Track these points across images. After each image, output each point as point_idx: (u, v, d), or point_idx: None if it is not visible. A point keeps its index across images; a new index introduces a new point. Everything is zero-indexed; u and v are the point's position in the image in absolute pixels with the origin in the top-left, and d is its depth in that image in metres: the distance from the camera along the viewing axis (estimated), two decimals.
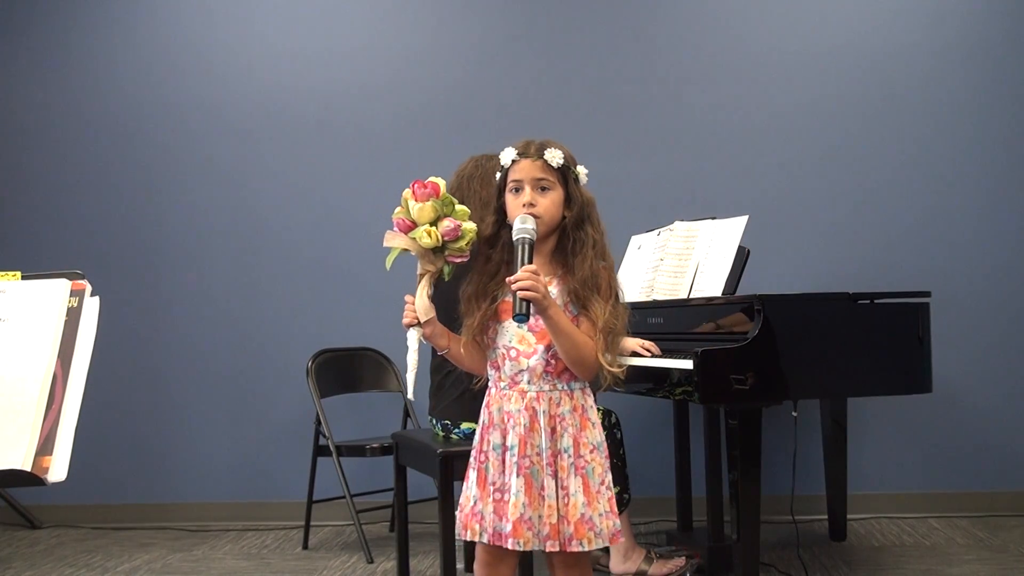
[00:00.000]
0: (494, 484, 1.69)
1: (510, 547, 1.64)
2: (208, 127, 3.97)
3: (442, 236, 1.69)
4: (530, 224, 1.68)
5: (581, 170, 1.78)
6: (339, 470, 3.33)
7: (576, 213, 1.74)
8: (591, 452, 1.69)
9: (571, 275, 1.71)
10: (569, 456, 1.67)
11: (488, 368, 1.78)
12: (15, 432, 1.10)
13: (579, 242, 1.72)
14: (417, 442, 2.61)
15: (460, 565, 2.83)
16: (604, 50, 3.83)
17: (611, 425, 2.77)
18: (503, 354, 1.73)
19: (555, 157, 1.73)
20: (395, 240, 1.71)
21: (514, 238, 1.68)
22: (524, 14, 3.89)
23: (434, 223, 1.69)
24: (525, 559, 2.35)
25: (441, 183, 1.70)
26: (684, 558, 2.82)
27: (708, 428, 3.06)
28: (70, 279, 1.25)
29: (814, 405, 3.40)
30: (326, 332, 3.76)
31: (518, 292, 1.58)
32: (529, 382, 1.70)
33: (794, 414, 2.87)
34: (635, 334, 2.48)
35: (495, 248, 1.77)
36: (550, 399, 1.69)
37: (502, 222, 1.78)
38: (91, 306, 1.23)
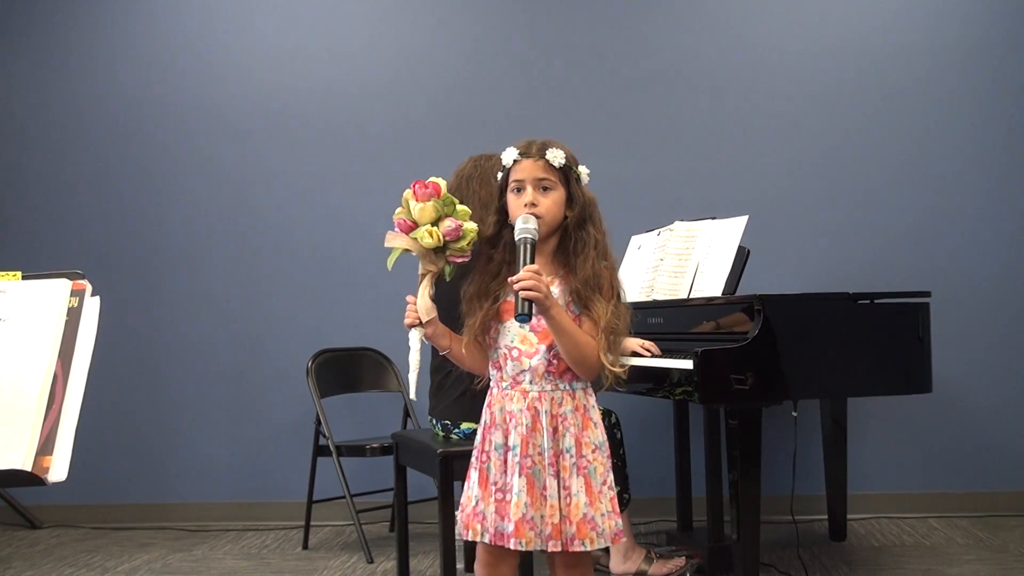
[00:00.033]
0: (496, 484, 1.69)
1: (512, 547, 1.64)
2: (208, 127, 3.97)
3: (443, 236, 1.69)
4: (532, 224, 1.68)
5: (583, 170, 1.78)
6: (339, 470, 3.33)
7: (578, 213, 1.74)
8: (593, 452, 1.69)
9: (573, 275, 1.71)
10: (571, 456, 1.67)
11: (490, 368, 1.78)
12: (15, 432, 1.10)
13: (581, 242, 1.72)
14: (417, 442, 2.61)
15: (460, 565, 2.83)
16: (604, 50, 3.83)
17: (611, 425, 2.77)
18: (505, 354, 1.73)
19: (557, 157, 1.73)
20: (396, 240, 1.71)
21: (516, 238, 1.68)
22: (524, 14, 3.89)
23: (435, 223, 1.69)
24: (525, 559, 2.35)
25: (442, 183, 1.70)
26: (684, 558, 2.82)
27: (708, 428, 3.06)
28: (71, 279, 1.25)
29: (814, 405, 3.40)
30: (326, 332, 3.76)
31: (520, 292, 1.58)
32: (531, 382, 1.70)
33: (794, 414, 2.87)
34: (635, 334, 2.48)
35: (497, 248, 1.77)
36: (552, 399, 1.69)
37: (504, 222, 1.78)
38: (92, 306, 1.23)
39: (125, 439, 3.91)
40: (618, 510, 1.71)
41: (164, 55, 4.00)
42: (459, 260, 1.74)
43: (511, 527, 1.64)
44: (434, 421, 2.62)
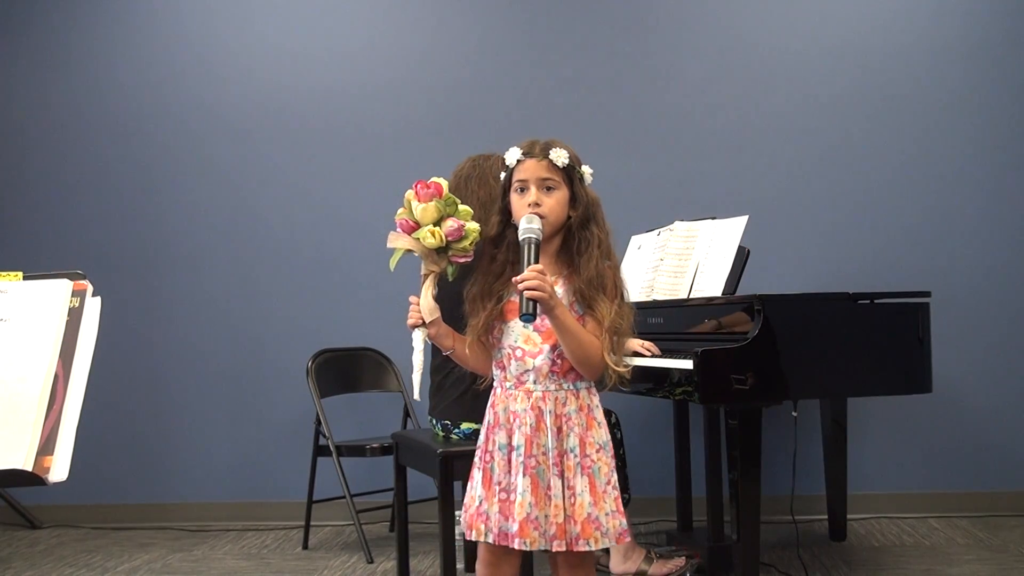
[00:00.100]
0: (500, 484, 1.69)
1: (516, 547, 1.64)
2: (208, 127, 3.97)
3: (445, 236, 1.69)
4: (536, 224, 1.68)
5: (586, 170, 1.78)
6: (339, 470, 3.33)
7: (581, 213, 1.74)
8: (597, 452, 1.69)
9: (577, 275, 1.71)
10: (575, 456, 1.67)
11: (493, 368, 1.78)
12: (16, 432, 1.10)
13: (584, 242, 1.72)
14: (417, 442, 2.61)
15: (460, 565, 2.83)
16: (604, 50, 3.83)
17: (611, 425, 2.77)
18: (509, 354, 1.73)
19: (560, 157, 1.73)
20: (399, 241, 1.72)
21: (520, 238, 1.68)
22: (524, 14, 3.89)
23: (437, 223, 1.69)
24: (525, 559, 2.35)
25: (444, 183, 1.70)
26: (684, 558, 2.82)
27: (708, 428, 3.06)
28: (72, 279, 1.25)
29: (814, 405, 3.40)
30: (326, 332, 3.76)
31: (525, 292, 1.58)
32: (535, 382, 1.70)
33: (794, 414, 2.87)
34: (636, 334, 2.48)
35: (500, 248, 1.77)
36: (556, 399, 1.70)
37: (507, 222, 1.78)
38: (92, 306, 1.23)
39: (125, 439, 3.91)
40: (622, 509, 1.71)
41: (164, 55, 4.00)
42: (461, 260, 1.74)
43: (515, 527, 1.64)
44: (434, 421, 2.63)
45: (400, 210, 1.72)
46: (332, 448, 3.33)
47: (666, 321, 2.80)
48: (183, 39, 4.00)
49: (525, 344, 1.71)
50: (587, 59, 3.84)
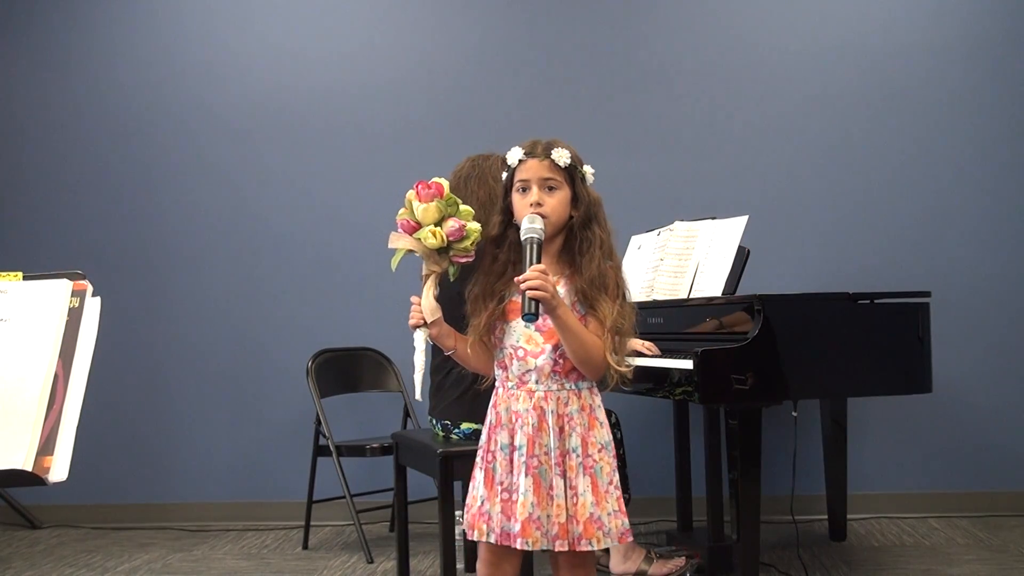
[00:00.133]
0: (502, 484, 1.69)
1: (519, 547, 1.64)
2: (208, 127, 3.97)
3: (447, 236, 1.69)
4: (538, 224, 1.68)
5: (588, 169, 1.78)
6: (339, 470, 3.33)
7: (583, 213, 1.74)
8: (599, 452, 1.69)
9: (578, 275, 1.71)
10: (577, 456, 1.67)
11: (495, 368, 1.78)
12: (16, 432, 1.10)
13: (586, 242, 1.73)
14: (417, 442, 2.61)
15: (460, 565, 2.83)
16: (604, 50, 3.83)
17: (611, 425, 2.75)
18: (510, 354, 1.73)
19: (562, 156, 1.73)
20: (400, 241, 1.72)
21: (522, 238, 1.68)
22: (524, 14, 3.89)
23: (438, 223, 1.69)
24: (526, 559, 2.34)
25: (445, 183, 1.70)
26: (684, 558, 2.82)
27: (708, 428, 3.06)
28: (71, 279, 1.25)
29: (814, 405, 3.40)
30: (326, 332, 3.76)
31: (527, 292, 1.58)
32: (537, 382, 1.70)
33: (794, 414, 2.87)
34: (637, 334, 2.48)
35: (502, 248, 1.77)
36: (558, 399, 1.70)
37: (509, 222, 1.78)
38: (92, 306, 1.23)
39: (125, 439, 3.91)
40: (624, 509, 1.71)
41: (164, 55, 4.00)
42: (463, 260, 1.74)
43: (517, 527, 1.64)
44: (434, 421, 2.63)
45: (401, 210, 1.72)
46: (332, 448, 3.33)
47: (666, 321, 2.80)
48: (183, 39, 4.00)
49: (527, 344, 1.71)
50: (587, 59, 3.84)
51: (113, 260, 3.93)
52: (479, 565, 1.80)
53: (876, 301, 2.53)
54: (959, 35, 3.70)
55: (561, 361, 1.70)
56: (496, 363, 1.77)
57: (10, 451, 1.08)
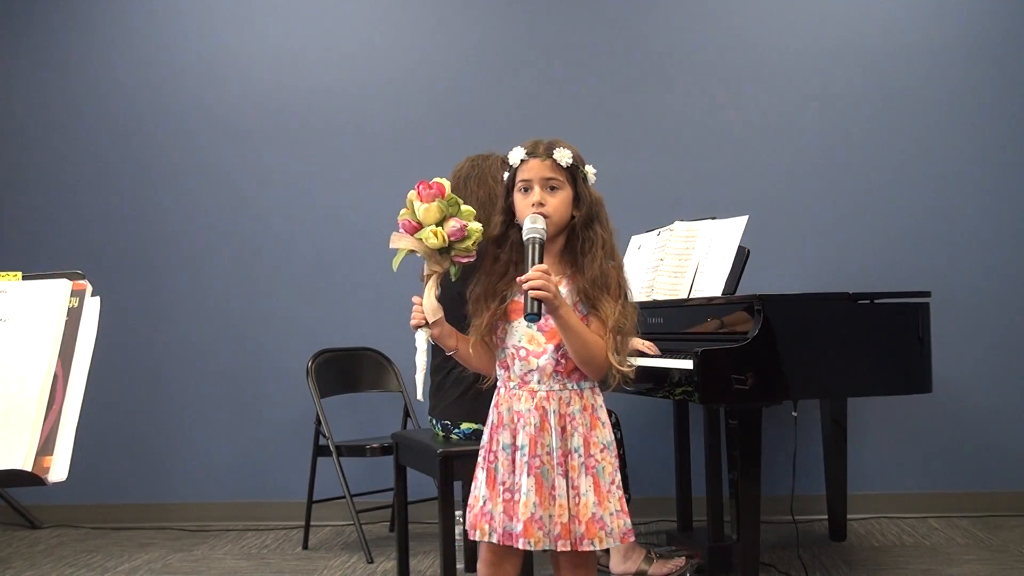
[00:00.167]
0: (504, 484, 1.69)
1: (521, 547, 1.64)
2: (208, 127, 3.97)
3: (448, 236, 1.69)
4: (540, 224, 1.68)
5: (589, 169, 1.78)
6: (339, 470, 3.33)
7: (585, 212, 1.74)
8: (601, 451, 1.70)
9: (580, 275, 1.71)
10: (579, 456, 1.67)
11: (497, 368, 1.78)
12: (16, 432, 1.10)
13: (588, 241, 1.73)
14: (417, 442, 2.61)
15: (460, 565, 2.83)
16: (604, 50, 3.83)
17: (611, 425, 2.76)
18: (512, 354, 1.73)
19: (564, 156, 1.73)
20: (401, 241, 1.72)
21: (524, 238, 1.68)
22: (524, 15, 3.89)
23: (440, 223, 1.69)
24: (526, 559, 2.34)
25: (446, 184, 1.70)
26: (684, 558, 2.82)
27: (708, 428, 3.07)
28: (71, 279, 1.25)
29: (814, 405, 3.40)
30: (326, 332, 3.76)
31: (530, 292, 1.58)
32: (539, 381, 1.70)
33: (794, 414, 2.87)
34: (639, 334, 2.49)
35: (503, 248, 1.77)
36: (560, 398, 1.70)
37: (510, 222, 1.78)
38: (92, 306, 1.23)
39: (125, 439, 3.91)
40: (626, 509, 1.71)
41: (164, 55, 4.00)
42: (464, 260, 1.74)
43: (520, 527, 1.64)
44: (434, 421, 2.62)
45: (403, 210, 1.72)
46: (332, 448, 3.33)
47: (666, 321, 2.80)
48: (183, 39, 4.00)
49: (529, 344, 1.71)
50: (587, 59, 3.84)
51: (113, 260, 3.93)
52: (480, 565, 1.80)
53: (876, 301, 2.53)
54: (959, 35, 3.70)
55: (563, 361, 1.70)
56: (498, 363, 1.77)
57: (10, 451, 1.08)
